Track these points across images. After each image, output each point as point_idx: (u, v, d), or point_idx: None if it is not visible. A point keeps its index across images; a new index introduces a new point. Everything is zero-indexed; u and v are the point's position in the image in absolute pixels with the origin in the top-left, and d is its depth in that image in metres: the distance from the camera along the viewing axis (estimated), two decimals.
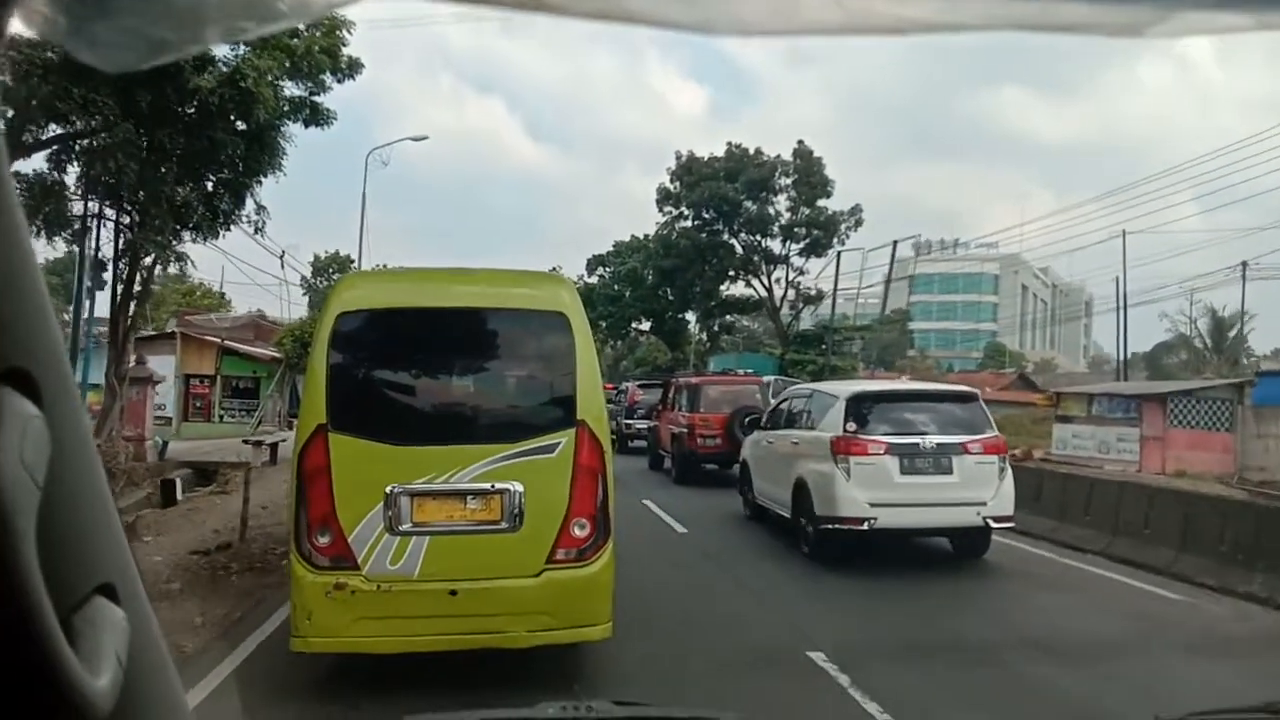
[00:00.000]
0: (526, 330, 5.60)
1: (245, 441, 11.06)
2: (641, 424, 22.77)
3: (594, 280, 52.75)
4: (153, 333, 24.75)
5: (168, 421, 23.05)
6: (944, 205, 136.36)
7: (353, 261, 29.44)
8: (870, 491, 9.18)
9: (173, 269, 15.02)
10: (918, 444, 9.37)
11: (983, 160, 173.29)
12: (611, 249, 52.58)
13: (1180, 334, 57.82)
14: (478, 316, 5.58)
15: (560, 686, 5.06)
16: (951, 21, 0.56)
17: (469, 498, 5.09)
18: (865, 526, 9.11)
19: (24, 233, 0.55)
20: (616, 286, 50.85)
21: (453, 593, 4.96)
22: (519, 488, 5.07)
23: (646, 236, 48.64)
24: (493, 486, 5.08)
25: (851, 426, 9.50)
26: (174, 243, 12.61)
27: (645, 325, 53.16)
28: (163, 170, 10.75)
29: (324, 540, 4.91)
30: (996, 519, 9.42)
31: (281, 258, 23.81)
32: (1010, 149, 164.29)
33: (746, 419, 13.77)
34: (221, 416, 24.76)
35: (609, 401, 27.53)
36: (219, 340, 25.37)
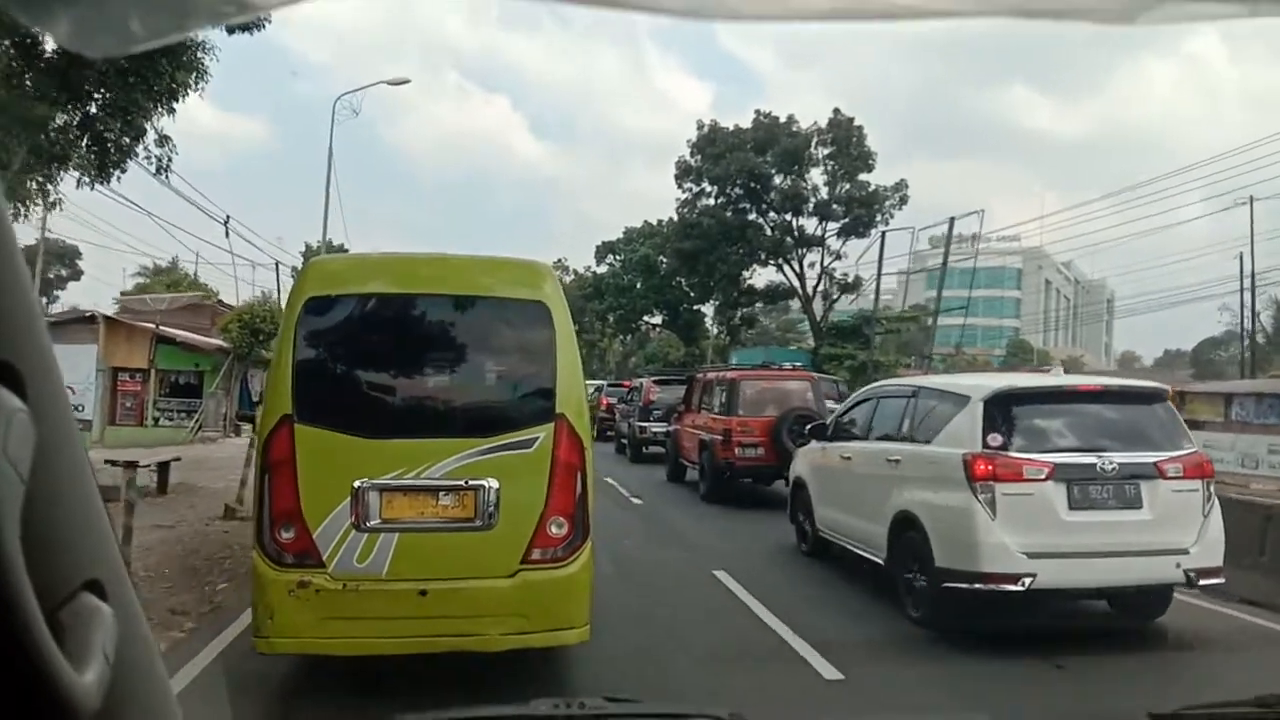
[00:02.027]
0: (505, 320, 5.60)
1: (110, 463, 8.22)
2: (659, 427, 20.10)
3: (602, 269, 50.98)
4: (66, 315, 21.98)
5: (87, 425, 20.21)
6: (951, 203, 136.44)
7: (346, 250, 28.31)
8: (1027, 535, 6.66)
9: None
10: (1093, 464, 6.79)
11: (989, 158, 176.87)
12: (621, 236, 50.45)
13: (1234, 329, 55.04)
14: (454, 304, 5.54)
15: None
16: (942, 9, 0.60)
17: (441, 494, 5.10)
18: (1020, 586, 6.48)
19: (8, 225, 0.56)
20: (627, 276, 48.64)
21: (423, 593, 4.97)
22: (494, 484, 5.08)
23: (660, 222, 46.55)
24: (466, 482, 5.08)
25: (995, 439, 6.85)
26: (36, 182, 9.89)
27: (657, 319, 51.03)
28: None
29: (287, 536, 4.92)
30: (1202, 572, 6.82)
31: (226, 223, 21.20)
32: (1016, 147, 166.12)
33: (808, 426, 11.09)
34: (157, 419, 21.99)
35: (621, 401, 25.19)
36: (153, 326, 22.45)
